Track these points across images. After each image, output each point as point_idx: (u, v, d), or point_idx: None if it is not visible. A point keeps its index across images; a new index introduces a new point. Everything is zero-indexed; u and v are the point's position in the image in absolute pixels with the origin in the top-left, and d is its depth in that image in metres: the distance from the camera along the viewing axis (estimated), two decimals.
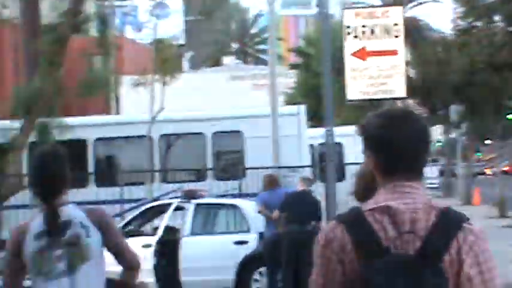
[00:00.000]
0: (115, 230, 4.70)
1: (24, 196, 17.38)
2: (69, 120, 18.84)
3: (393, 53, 15.82)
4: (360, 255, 2.61)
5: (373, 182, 3.38)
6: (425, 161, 2.78)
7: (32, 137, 18.07)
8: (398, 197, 2.69)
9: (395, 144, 2.71)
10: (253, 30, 67.09)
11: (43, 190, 4.60)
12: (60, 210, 4.55)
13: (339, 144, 19.84)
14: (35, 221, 4.60)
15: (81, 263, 4.56)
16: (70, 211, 4.59)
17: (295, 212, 13.05)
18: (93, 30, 21.44)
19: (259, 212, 13.64)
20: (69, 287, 4.55)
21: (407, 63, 21.48)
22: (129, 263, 4.73)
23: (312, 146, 20.81)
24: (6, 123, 18.32)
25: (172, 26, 29.16)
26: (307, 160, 19.61)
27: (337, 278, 2.64)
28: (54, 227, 4.53)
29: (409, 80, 19.46)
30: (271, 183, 14.02)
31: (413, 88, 28.23)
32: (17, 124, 18.00)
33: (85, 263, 4.56)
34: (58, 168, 4.63)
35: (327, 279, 2.65)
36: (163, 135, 20.35)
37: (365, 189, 3.51)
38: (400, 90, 15.89)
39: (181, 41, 41.55)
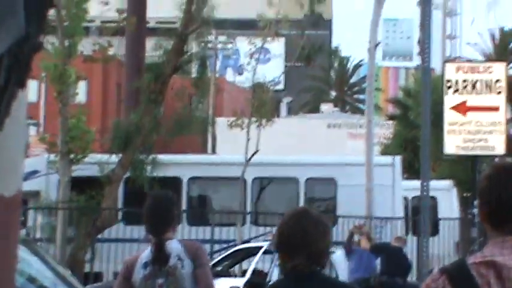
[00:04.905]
0: (202, 261, 5.32)
1: (118, 230, 17.66)
2: (165, 157, 19.10)
3: (494, 109, 15.56)
4: None
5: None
6: None
7: (128, 172, 18.40)
8: (507, 253, 2.62)
9: (503, 197, 2.68)
10: (352, 80, 67.14)
11: (153, 226, 5.39)
12: (165, 244, 5.29)
13: (434, 198, 19.51)
14: (145, 252, 5.37)
15: None
16: (172, 245, 5.32)
17: (388, 263, 13.10)
18: (193, 71, 21.81)
19: None
20: None
21: (508, 121, 21.08)
22: None
23: (405, 198, 20.54)
24: (105, 157, 18.71)
25: (272, 71, 29.43)
26: (400, 212, 19.35)
27: None
28: (158, 258, 5.27)
29: (509, 137, 19.06)
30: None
31: None
32: (114, 158, 18.36)
33: None
34: (167, 210, 5.43)
35: None
36: (256, 178, 20.41)
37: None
38: (500, 148, 15.59)
39: (280, 86, 41.89)
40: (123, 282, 5.37)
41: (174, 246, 5.32)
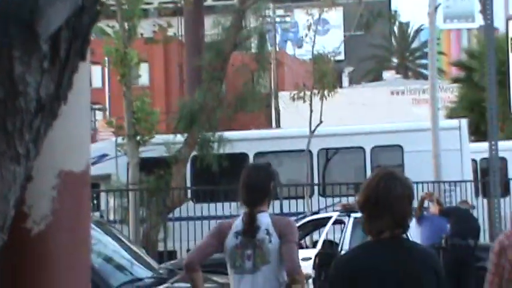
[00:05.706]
0: (288, 238, 5.26)
1: (188, 208, 17.82)
2: (230, 134, 19.18)
3: None
4: None
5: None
6: None
7: (195, 151, 18.54)
8: None
9: None
10: (413, 45, 66.33)
11: (247, 197, 5.38)
12: (256, 216, 5.29)
13: (503, 159, 19.24)
14: (237, 221, 5.40)
15: (262, 264, 5.25)
16: (262, 218, 5.32)
17: (459, 226, 13.08)
18: (253, 46, 21.81)
19: None
20: (250, 283, 5.25)
21: None
22: (288, 271, 5.24)
23: (474, 160, 20.29)
24: (170, 137, 18.87)
25: (332, 41, 29.27)
26: (469, 175, 19.13)
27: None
28: (248, 230, 5.30)
29: None
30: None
31: None
32: (180, 138, 18.51)
33: (265, 265, 5.25)
34: (259, 181, 5.38)
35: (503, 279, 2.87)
36: (322, 149, 20.37)
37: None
38: None
39: (341, 56, 41.66)
40: (211, 239, 5.40)
41: (263, 219, 5.31)
